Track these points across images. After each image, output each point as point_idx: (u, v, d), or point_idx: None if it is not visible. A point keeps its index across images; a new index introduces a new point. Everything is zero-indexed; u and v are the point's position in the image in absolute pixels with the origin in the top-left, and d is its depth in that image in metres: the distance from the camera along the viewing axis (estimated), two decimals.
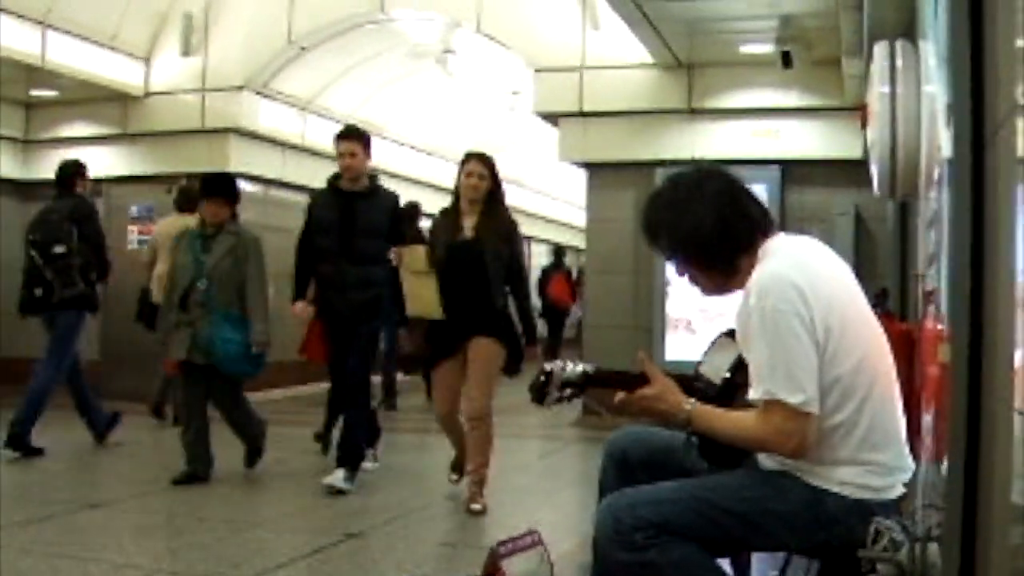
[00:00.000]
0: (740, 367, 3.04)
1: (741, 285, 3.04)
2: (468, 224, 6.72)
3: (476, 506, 6.47)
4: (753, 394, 2.89)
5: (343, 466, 7.10)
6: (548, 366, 3.09)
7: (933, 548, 2.69)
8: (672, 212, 3.13)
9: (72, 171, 8.66)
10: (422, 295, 6.73)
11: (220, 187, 7.70)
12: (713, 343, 3.34)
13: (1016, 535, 1.93)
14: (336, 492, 6.85)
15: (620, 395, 3.08)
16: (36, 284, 8.19)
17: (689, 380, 3.21)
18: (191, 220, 8.37)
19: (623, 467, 3.43)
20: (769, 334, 2.85)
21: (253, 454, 7.82)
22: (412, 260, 6.85)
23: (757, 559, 3.73)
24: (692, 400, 3.04)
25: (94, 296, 8.51)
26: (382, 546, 5.62)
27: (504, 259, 6.65)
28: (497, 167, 6.91)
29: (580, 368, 3.07)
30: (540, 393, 3.06)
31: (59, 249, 8.15)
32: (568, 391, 3.06)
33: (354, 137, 7.41)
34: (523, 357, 6.75)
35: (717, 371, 3.18)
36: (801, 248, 3.14)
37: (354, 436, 7.29)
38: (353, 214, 7.22)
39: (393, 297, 7.06)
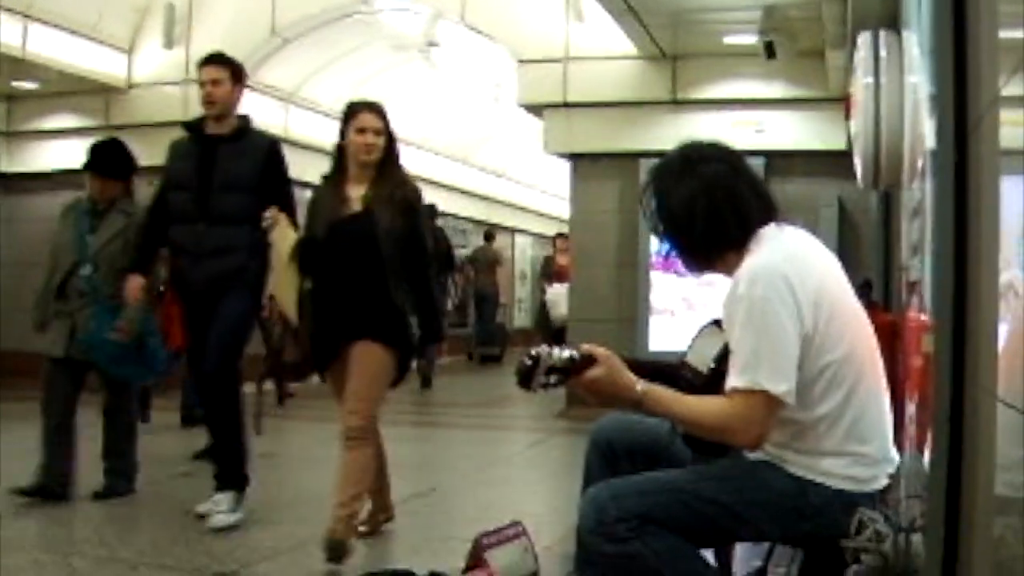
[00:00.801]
0: (727, 356, 3.03)
1: (727, 271, 3.04)
2: (356, 194, 5.30)
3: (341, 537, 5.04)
4: (733, 382, 2.86)
5: (224, 489, 5.85)
6: (535, 350, 3.04)
7: (917, 538, 2.70)
8: (662, 185, 3.14)
9: None
10: (281, 287, 5.48)
11: (101, 161, 6.57)
12: (700, 332, 3.33)
13: (999, 525, 1.94)
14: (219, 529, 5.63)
15: (572, 380, 3.01)
16: None
17: (674, 369, 3.22)
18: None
19: (608, 455, 3.43)
20: (756, 323, 2.84)
21: (110, 486, 6.42)
22: (284, 237, 5.38)
23: (741, 549, 3.74)
24: (643, 381, 2.98)
25: None
26: (367, 539, 5.61)
27: (402, 237, 5.23)
28: (389, 118, 5.46)
29: (567, 353, 3.00)
30: (527, 377, 3.01)
31: None
32: (554, 377, 3.02)
33: (219, 62, 6.04)
34: (410, 366, 5.54)
35: (704, 360, 3.17)
36: (792, 239, 3.11)
37: (230, 448, 5.97)
38: (213, 162, 5.85)
39: (258, 271, 5.77)
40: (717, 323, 3.20)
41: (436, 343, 5.70)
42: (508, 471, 8.15)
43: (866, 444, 2.96)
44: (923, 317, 3.55)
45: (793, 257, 2.98)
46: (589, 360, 2.98)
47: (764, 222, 3.09)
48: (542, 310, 16.03)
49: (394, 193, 5.28)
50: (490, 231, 19.84)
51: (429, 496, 6.76)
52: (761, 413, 2.83)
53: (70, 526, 5.74)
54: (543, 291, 16.22)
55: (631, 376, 2.98)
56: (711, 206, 3.04)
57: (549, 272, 16.18)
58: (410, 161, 17.85)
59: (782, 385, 2.81)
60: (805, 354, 2.86)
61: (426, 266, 5.45)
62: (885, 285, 7.84)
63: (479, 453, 8.75)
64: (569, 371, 2.98)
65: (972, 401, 2.19)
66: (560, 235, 16.63)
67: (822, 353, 2.89)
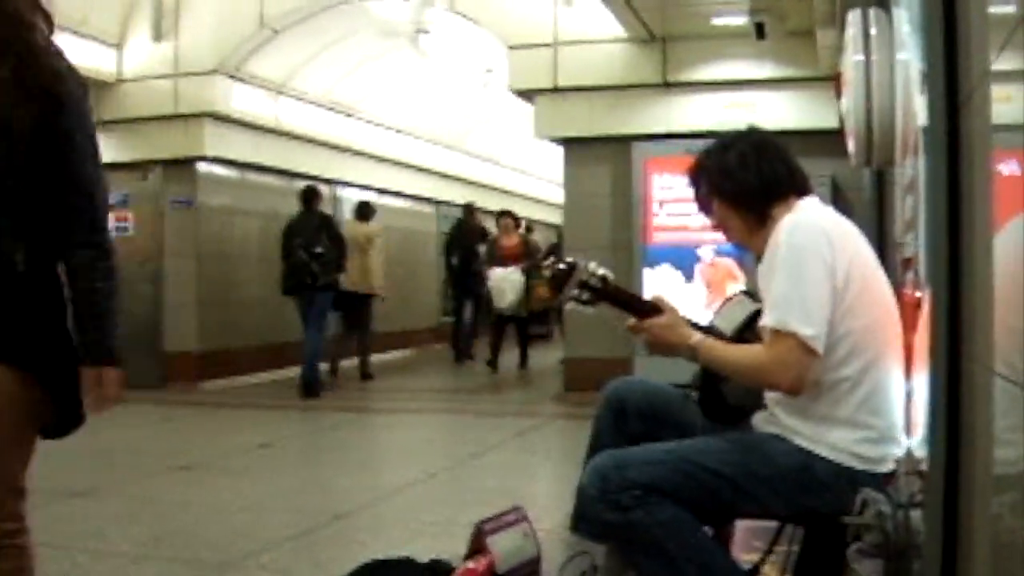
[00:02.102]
0: (752, 324, 3.10)
1: (763, 243, 3.14)
2: None
3: None
4: (764, 320, 2.97)
5: None
6: (573, 258, 3.17)
7: (916, 514, 2.70)
8: (708, 161, 3.32)
9: (312, 195, 11.89)
10: None
11: None
12: (729, 300, 3.44)
13: (999, 499, 1.94)
14: None
15: (632, 321, 3.17)
16: (304, 274, 11.35)
17: (702, 329, 3.26)
18: (372, 226, 13.19)
19: (619, 414, 3.51)
20: (792, 268, 2.95)
21: None
22: None
23: (740, 532, 3.75)
24: (697, 333, 3.13)
25: (338, 281, 11.82)
26: (368, 526, 5.63)
27: (29, 150, 2.74)
28: None
29: (601, 271, 3.15)
30: (560, 283, 3.11)
31: (319, 249, 11.39)
32: (586, 294, 3.11)
33: None
34: (81, 409, 2.86)
35: (731, 324, 3.26)
36: (831, 212, 3.29)
37: None
38: None
39: None
40: (747, 293, 3.29)
41: (100, 364, 2.84)
42: (507, 456, 8.15)
43: (878, 417, 3.01)
44: (918, 293, 3.55)
45: (834, 221, 3.15)
46: (654, 308, 3.14)
47: (804, 190, 3.26)
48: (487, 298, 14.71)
49: (19, 72, 2.77)
50: (529, 224, 19.61)
51: (428, 482, 6.77)
52: (794, 357, 2.91)
53: (70, 521, 5.73)
54: (487, 276, 14.68)
55: (689, 328, 3.14)
56: (761, 158, 3.23)
57: (493, 255, 14.59)
58: (401, 150, 17.88)
59: (809, 329, 2.89)
60: (833, 312, 2.95)
61: (89, 208, 2.88)
62: (880, 262, 7.83)
63: (477, 438, 8.74)
64: (599, 294, 3.13)
65: (969, 375, 2.19)
66: (504, 213, 15.32)
67: (848, 317, 2.97)
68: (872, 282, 3.09)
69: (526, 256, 14.38)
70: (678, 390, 3.41)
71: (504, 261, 13.99)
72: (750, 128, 3.45)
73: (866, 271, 3.07)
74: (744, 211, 3.24)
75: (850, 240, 3.09)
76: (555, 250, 15.16)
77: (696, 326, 3.23)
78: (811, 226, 3.02)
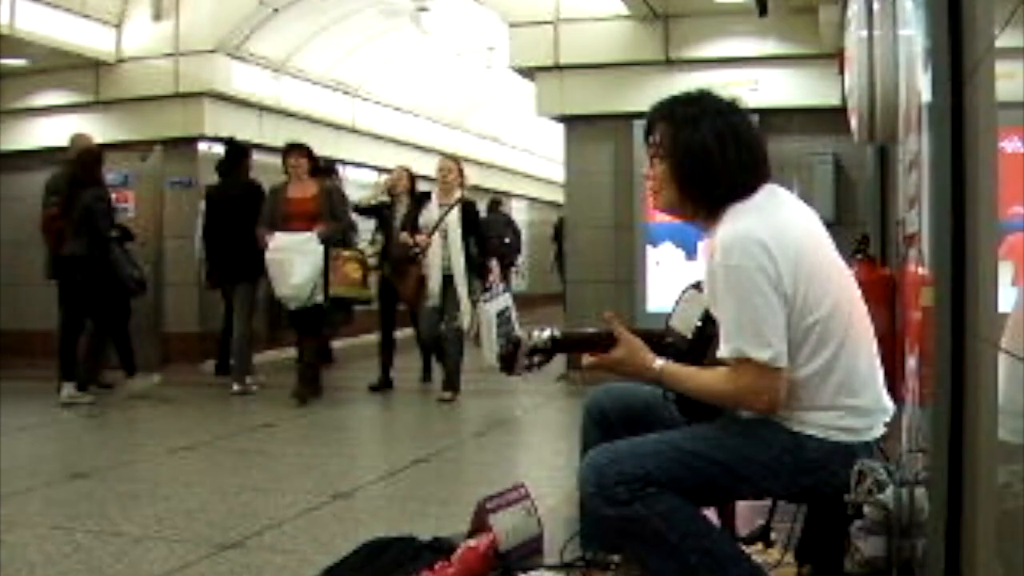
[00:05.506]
0: (710, 319, 3.05)
1: (701, 225, 3.12)
2: None
3: None
4: (722, 352, 2.90)
5: None
6: (515, 334, 3.15)
7: (920, 492, 2.70)
8: (666, 125, 3.20)
9: (498, 203, 14.84)
10: None
11: None
12: (682, 296, 3.37)
13: (1003, 474, 1.93)
14: None
15: (589, 359, 3.13)
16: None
17: (660, 335, 3.23)
18: None
19: (603, 424, 3.49)
20: (735, 291, 2.86)
21: None
22: None
23: (744, 507, 3.75)
24: (661, 360, 3.07)
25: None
26: (370, 505, 5.62)
27: None
28: None
29: (547, 333, 3.13)
30: (509, 363, 3.11)
31: (507, 240, 14.09)
32: (537, 358, 3.11)
33: None
34: None
35: (688, 324, 3.20)
36: (767, 202, 3.07)
37: None
38: None
39: None
40: (697, 286, 3.24)
41: None
42: (508, 435, 8.16)
43: (858, 397, 2.98)
44: (921, 270, 3.54)
45: (768, 219, 2.97)
46: (611, 339, 3.08)
47: (743, 194, 3.05)
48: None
49: None
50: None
51: (430, 461, 6.76)
52: (762, 382, 2.86)
53: (72, 502, 5.73)
54: (265, 245, 9.31)
55: (650, 355, 3.08)
56: (683, 179, 3.11)
57: (276, 213, 9.40)
58: (404, 128, 17.82)
59: (766, 352, 2.82)
60: (789, 316, 2.88)
61: None
62: (882, 239, 7.83)
63: (478, 417, 8.75)
64: (552, 351, 3.15)
65: (973, 351, 2.18)
66: (292, 148, 9.76)
67: (806, 313, 2.90)
68: (821, 267, 2.97)
69: (330, 216, 9.41)
70: (657, 388, 3.34)
71: (291, 221, 9.21)
72: (707, 98, 3.21)
73: (813, 261, 2.94)
74: (697, 206, 3.14)
75: (789, 235, 2.93)
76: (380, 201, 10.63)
77: (652, 339, 3.18)
78: (745, 240, 2.86)
